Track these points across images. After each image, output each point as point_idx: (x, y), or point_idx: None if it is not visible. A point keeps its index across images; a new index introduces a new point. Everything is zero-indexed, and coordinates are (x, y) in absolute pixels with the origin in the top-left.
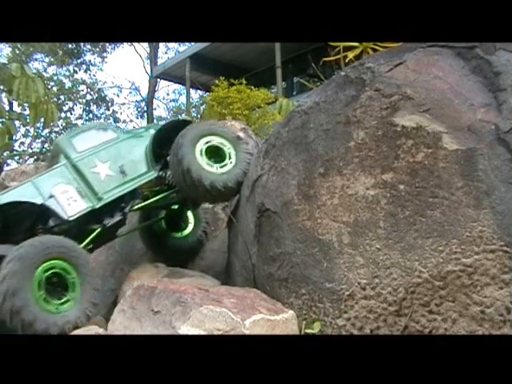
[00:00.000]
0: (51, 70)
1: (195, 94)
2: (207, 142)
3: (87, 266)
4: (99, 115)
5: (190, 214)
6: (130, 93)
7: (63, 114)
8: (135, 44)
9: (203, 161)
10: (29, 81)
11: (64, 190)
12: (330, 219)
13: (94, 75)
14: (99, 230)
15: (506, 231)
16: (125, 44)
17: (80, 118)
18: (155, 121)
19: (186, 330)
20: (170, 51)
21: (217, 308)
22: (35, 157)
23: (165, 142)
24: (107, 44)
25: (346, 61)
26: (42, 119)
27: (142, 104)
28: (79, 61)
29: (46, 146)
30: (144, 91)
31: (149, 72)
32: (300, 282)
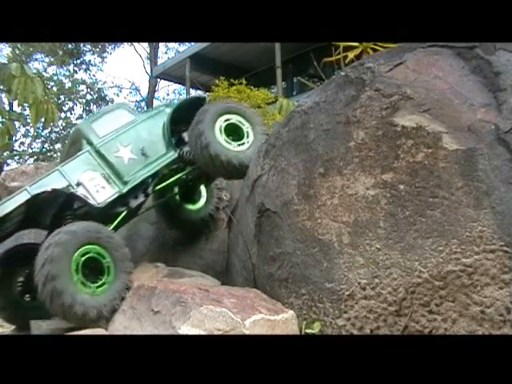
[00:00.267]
0: (51, 70)
1: (195, 94)
2: (227, 120)
3: (120, 250)
4: None
5: (203, 188)
6: (130, 93)
7: (63, 114)
8: (135, 44)
9: (221, 137)
10: (28, 81)
11: (91, 177)
12: (330, 219)
13: (93, 75)
14: (125, 212)
15: (506, 231)
16: (125, 44)
17: (80, 117)
18: None
19: (186, 330)
20: (170, 51)
21: (217, 308)
22: (35, 157)
23: (180, 119)
24: (107, 44)
25: (346, 61)
26: (42, 119)
27: (142, 104)
28: (79, 61)
29: (46, 145)
30: (144, 91)
31: (149, 72)
32: (300, 281)
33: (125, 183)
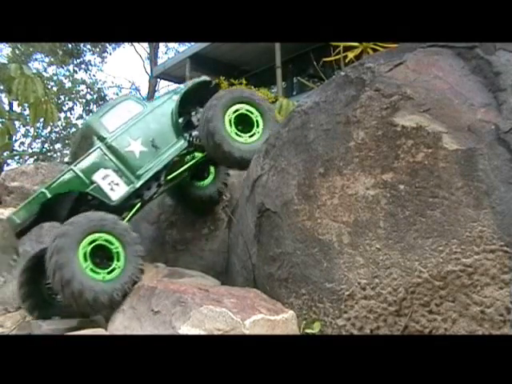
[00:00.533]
0: (51, 70)
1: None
2: (236, 111)
3: (128, 235)
4: None
5: (212, 166)
6: (130, 93)
7: (63, 114)
8: (135, 44)
9: (230, 128)
10: (28, 81)
11: (105, 174)
12: (330, 219)
13: (93, 75)
14: (139, 204)
15: (506, 231)
16: (125, 44)
17: (80, 117)
18: None
19: (186, 330)
20: (170, 51)
21: (217, 308)
22: (35, 157)
23: (188, 102)
24: (107, 44)
25: (346, 61)
26: (42, 119)
27: None
28: (79, 61)
29: (46, 145)
30: (144, 91)
31: (149, 72)
32: (300, 281)
33: (138, 177)
